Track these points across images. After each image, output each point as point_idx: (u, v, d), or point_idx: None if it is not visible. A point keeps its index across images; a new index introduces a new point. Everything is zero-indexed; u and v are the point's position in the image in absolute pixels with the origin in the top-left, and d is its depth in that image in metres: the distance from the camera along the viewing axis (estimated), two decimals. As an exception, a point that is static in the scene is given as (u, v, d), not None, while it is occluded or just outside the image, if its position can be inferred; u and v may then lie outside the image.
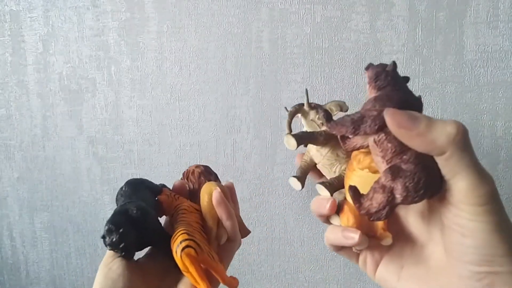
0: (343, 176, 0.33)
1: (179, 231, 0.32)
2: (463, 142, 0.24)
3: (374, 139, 0.26)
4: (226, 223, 0.36)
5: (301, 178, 0.36)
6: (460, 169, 0.24)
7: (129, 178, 0.37)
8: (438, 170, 0.25)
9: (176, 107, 0.60)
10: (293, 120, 0.37)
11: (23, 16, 0.64)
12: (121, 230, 0.30)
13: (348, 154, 0.34)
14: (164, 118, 0.61)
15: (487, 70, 0.50)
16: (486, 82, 0.50)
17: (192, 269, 0.31)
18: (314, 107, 0.37)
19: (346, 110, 0.36)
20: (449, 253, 0.26)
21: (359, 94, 0.54)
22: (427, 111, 0.52)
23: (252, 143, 0.58)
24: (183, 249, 0.30)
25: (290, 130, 0.36)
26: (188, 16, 0.57)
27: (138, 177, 0.38)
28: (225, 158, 0.60)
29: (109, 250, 0.31)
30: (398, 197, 0.25)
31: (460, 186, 0.24)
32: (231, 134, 0.59)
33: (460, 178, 0.24)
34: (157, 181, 0.39)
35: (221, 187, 0.37)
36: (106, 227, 0.30)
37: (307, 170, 0.37)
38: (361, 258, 0.33)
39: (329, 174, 0.35)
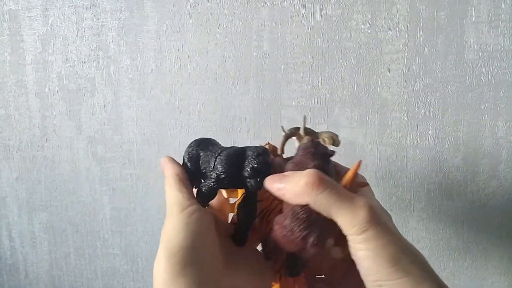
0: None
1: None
2: (316, 188, 0.26)
3: None
4: None
5: None
6: (327, 210, 0.26)
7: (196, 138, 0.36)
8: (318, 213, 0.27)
9: (176, 107, 0.60)
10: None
11: (22, 16, 0.64)
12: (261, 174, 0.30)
13: None
14: (164, 118, 0.61)
15: (488, 69, 0.50)
16: (487, 81, 0.50)
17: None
18: (309, 133, 0.37)
19: (338, 145, 0.36)
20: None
21: (359, 94, 0.53)
22: (428, 111, 0.52)
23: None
24: None
25: (283, 151, 0.36)
26: (187, 15, 0.57)
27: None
28: (225, 158, 0.59)
29: (254, 191, 0.31)
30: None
31: (338, 223, 0.26)
32: (231, 134, 0.59)
33: (334, 217, 0.26)
34: (157, 182, 0.39)
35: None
36: (250, 170, 0.30)
37: None
38: None
39: None
